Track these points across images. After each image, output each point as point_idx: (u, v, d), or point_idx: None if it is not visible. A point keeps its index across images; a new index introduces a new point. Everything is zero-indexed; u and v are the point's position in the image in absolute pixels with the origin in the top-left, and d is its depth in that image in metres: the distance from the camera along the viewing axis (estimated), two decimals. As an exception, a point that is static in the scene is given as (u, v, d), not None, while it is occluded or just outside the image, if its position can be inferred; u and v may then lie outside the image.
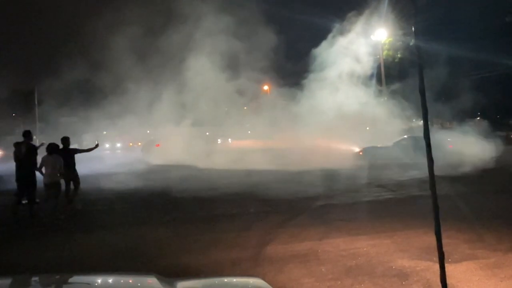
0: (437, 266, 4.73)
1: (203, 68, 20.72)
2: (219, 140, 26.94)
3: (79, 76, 22.89)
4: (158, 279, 2.18)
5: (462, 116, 24.28)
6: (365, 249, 5.58)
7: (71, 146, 9.65)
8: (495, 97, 27.91)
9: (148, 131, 27.42)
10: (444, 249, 5.01)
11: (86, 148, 10.21)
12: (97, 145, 10.26)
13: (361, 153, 19.54)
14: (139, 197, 11.15)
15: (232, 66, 21.06)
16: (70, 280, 2.32)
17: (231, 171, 16.04)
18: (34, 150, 8.66)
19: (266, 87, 36.17)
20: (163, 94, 21.30)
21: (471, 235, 5.88)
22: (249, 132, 29.62)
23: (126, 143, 36.25)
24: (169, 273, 3.38)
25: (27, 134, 8.73)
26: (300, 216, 7.94)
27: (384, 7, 25.97)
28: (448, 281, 3.65)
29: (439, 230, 3.38)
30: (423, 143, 3.42)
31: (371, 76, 27.65)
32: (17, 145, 8.62)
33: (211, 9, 20.41)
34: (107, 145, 27.46)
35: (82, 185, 9.75)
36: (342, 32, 24.28)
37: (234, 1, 21.06)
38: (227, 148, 24.50)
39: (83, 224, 8.14)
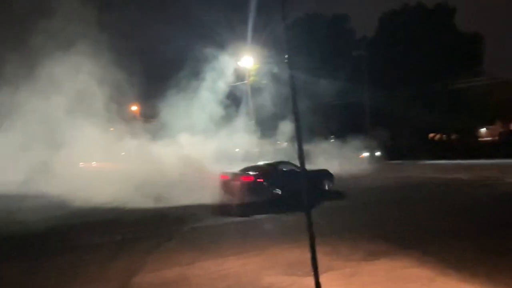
0: (301, 280, 5.02)
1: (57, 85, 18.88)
2: (80, 163, 24.73)
3: None
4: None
5: (319, 138, 26.75)
6: (235, 269, 5.64)
7: None
8: (344, 121, 31.63)
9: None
10: (307, 262, 5.36)
11: None
12: None
13: None
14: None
15: (96, 85, 19.69)
16: None
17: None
18: None
19: (134, 108, 34.91)
20: None
21: (329, 247, 6.36)
22: (122, 153, 27.90)
23: None
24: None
25: None
26: (170, 241, 7.69)
27: (249, 35, 27.55)
28: (311, 293, 3.87)
29: (314, 246, 3.59)
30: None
31: (239, 100, 28.85)
32: None
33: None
34: None
35: None
36: (209, 58, 24.92)
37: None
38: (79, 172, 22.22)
39: None
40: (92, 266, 6.17)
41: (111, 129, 26.20)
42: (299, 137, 3.48)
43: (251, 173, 12.46)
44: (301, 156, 3.46)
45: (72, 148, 19.05)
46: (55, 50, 17.98)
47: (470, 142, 37.34)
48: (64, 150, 18.92)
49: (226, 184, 12.48)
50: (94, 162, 26.09)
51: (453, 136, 43.39)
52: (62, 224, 10.16)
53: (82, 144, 19.35)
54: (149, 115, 29.29)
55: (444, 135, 43.07)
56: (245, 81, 29.72)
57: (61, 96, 18.75)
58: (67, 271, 6.00)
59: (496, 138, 38.03)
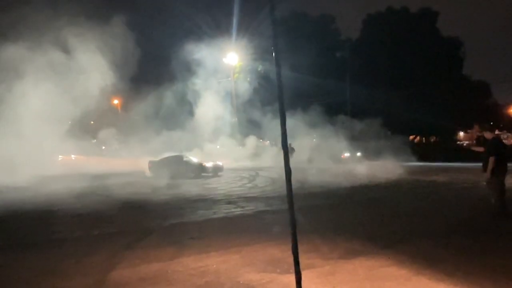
0: (280, 278, 5.04)
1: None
2: (60, 156, 24.30)
3: None
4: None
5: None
6: (214, 266, 5.62)
7: None
8: (327, 121, 31.93)
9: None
10: (286, 260, 5.39)
11: None
12: None
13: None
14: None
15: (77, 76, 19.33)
16: None
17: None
18: None
19: (116, 101, 34.42)
20: None
21: (309, 245, 6.40)
22: (103, 147, 27.77)
23: None
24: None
25: None
26: (149, 237, 7.62)
27: (234, 33, 27.51)
28: (290, 290, 3.88)
29: (296, 244, 3.60)
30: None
31: (225, 96, 28.79)
32: None
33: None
34: None
35: None
36: (194, 55, 24.80)
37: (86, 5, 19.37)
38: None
39: None
40: (68, 260, 6.06)
41: (91, 122, 25.78)
42: (284, 136, 3.47)
43: None
44: (286, 153, 3.45)
45: (50, 140, 18.67)
46: (38, 39, 17.60)
47: (449, 145, 38.04)
48: (42, 143, 18.53)
49: None
50: (73, 155, 25.74)
51: (433, 139, 44.25)
52: (33, 217, 9.98)
53: (61, 137, 18.99)
54: (130, 109, 29.04)
55: (423, 137, 43.89)
56: (229, 78, 29.66)
57: (40, 88, 18.39)
58: (42, 264, 5.88)
59: (474, 142, 38.81)
